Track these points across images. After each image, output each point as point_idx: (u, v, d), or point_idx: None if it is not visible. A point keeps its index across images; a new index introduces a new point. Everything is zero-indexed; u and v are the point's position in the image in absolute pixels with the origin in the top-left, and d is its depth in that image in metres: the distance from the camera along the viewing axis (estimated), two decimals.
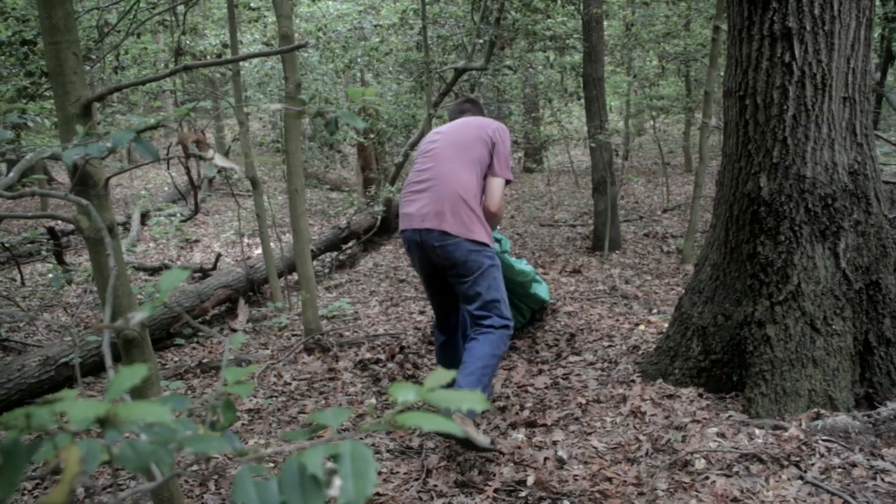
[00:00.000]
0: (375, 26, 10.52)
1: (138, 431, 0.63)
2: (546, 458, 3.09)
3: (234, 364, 4.72)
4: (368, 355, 4.71)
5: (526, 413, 3.61)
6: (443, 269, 3.51)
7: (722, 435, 3.04)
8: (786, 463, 2.76)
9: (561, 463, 3.06)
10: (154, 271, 7.81)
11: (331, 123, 1.23)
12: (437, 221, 3.36)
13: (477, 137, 3.51)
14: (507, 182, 3.55)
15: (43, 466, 0.62)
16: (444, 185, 3.41)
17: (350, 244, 8.35)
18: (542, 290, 4.79)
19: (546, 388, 3.93)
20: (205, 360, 4.94)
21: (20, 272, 7.05)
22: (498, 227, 3.72)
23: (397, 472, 3.18)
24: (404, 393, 0.68)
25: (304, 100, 1.27)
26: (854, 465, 2.72)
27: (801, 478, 2.67)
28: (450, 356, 3.82)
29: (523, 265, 4.62)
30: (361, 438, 3.55)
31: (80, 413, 0.58)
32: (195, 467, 2.43)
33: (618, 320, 5.07)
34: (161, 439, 0.62)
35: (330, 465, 0.61)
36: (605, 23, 9.63)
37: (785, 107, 3.24)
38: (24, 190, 1.55)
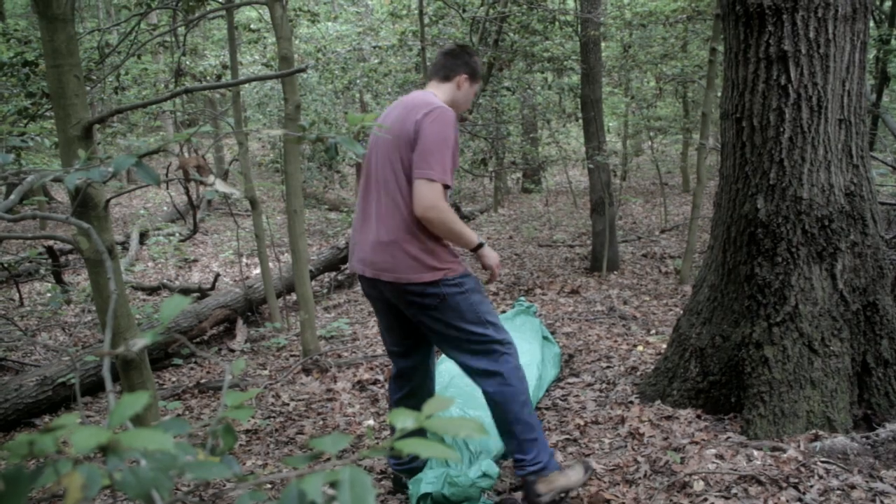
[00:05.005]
0: (374, 47, 10.59)
1: (139, 458, 0.64)
2: None
3: (231, 384, 4.71)
4: (367, 376, 4.70)
5: None
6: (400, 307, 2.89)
7: (720, 456, 3.03)
8: (784, 485, 2.75)
9: None
10: (152, 291, 7.81)
11: (331, 149, 1.24)
12: (375, 270, 2.76)
13: (400, 140, 2.69)
14: (440, 185, 2.63)
15: (41, 492, 0.62)
16: (381, 223, 2.74)
17: (348, 264, 8.35)
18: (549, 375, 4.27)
19: (545, 409, 3.92)
20: (203, 381, 4.93)
21: (19, 292, 7.05)
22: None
23: (395, 492, 3.17)
24: (403, 419, 0.68)
25: (303, 126, 1.28)
26: (853, 486, 2.71)
27: (799, 500, 2.67)
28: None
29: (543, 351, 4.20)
30: (359, 462, 3.54)
31: (84, 440, 0.59)
32: (193, 492, 2.42)
33: (616, 341, 5.07)
34: (162, 466, 0.63)
35: (329, 491, 0.61)
36: (603, 44, 9.70)
37: (781, 129, 3.26)
38: (25, 213, 1.56)
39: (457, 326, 2.79)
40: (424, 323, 2.84)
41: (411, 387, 3.15)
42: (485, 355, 2.83)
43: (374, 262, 2.76)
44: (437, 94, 2.90)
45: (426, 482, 2.92)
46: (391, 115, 2.84)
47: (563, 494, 2.87)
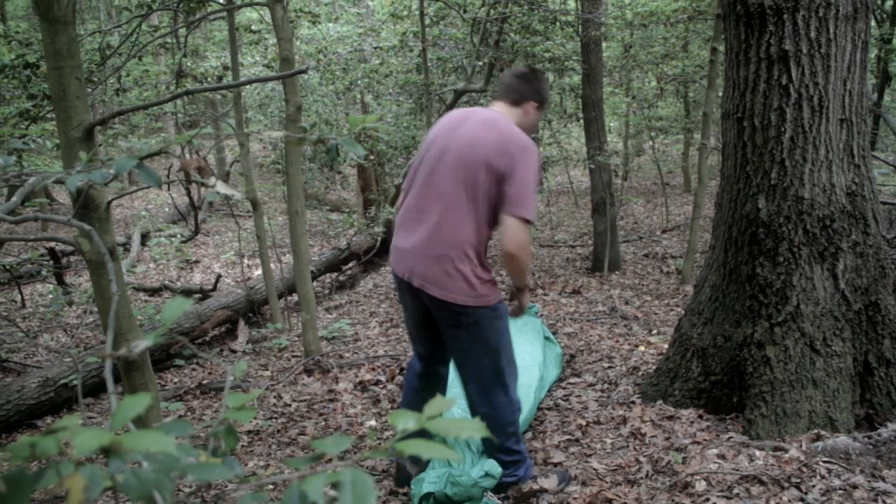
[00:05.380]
0: (375, 48, 10.59)
1: (141, 460, 0.64)
2: None
3: (233, 385, 4.71)
4: (368, 376, 4.70)
5: (528, 435, 3.60)
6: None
7: (722, 456, 3.03)
8: (786, 485, 2.75)
9: None
10: (154, 292, 7.81)
11: (332, 150, 1.24)
12: (423, 281, 2.78)
13: (486, 164, 2.68)
14: (527, 222, 2.68)
15: (43, 494, 0.63)
16: (439, 235, 2.76)
17: (350, 265, 8.36)
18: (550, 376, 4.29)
19: (547, 409, 3.92)
20: (204, 382, 4.94)
21: (20, 293, 7.05)
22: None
23: (396, 493, 3.17)
24: (404, 420, 0.68)
25: (305, 127, 1.29)
26: (855, 486, 2.71)
27: (801, 500, 2.66)
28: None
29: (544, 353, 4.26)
30: (360, 462, 3.54)
31: (86, 442, 0.59)
32: (195, 493, 2.42)
33: (617, 341, 5.07)
34: (164, 467, 0.63)
35: (331, 492, 0.61)
36: (604, 45, 9.70)
37: (782, 129, 3.26)
38: (27, 214, 1.56)
39: (474, 349, 2.87)
40: (448, 332, 2.91)
41: (428, 383, 3.21)
42: (487, 379, 2.92)
43: (425, 274, 2.77)
44: (507, 116, 2.90)
45: (428, 482, 2.92)
46: (462, 129, 2.82)
47: (530, 498, 3.00)
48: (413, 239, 2.83)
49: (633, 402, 3.82)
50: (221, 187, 1.23)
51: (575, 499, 2.90)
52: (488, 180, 2.70)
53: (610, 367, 4.49)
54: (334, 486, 0.62)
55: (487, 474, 2.91)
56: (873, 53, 9.46)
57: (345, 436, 0.70)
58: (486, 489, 2.92)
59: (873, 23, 8.89)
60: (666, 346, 4.57)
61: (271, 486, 3.17)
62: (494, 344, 2.86)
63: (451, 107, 8.48)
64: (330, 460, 0.68)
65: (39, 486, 0.61)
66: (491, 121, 2.81)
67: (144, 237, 10.20)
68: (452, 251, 2.73)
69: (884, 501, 2.62)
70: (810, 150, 3.25)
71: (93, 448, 0.59)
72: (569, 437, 3.54)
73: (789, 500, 2.66)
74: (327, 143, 1.24)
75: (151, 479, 0.62)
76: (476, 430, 0.67)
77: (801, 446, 2.99)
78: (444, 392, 3.33)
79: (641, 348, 4.82)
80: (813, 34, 3.17)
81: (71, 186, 1.20)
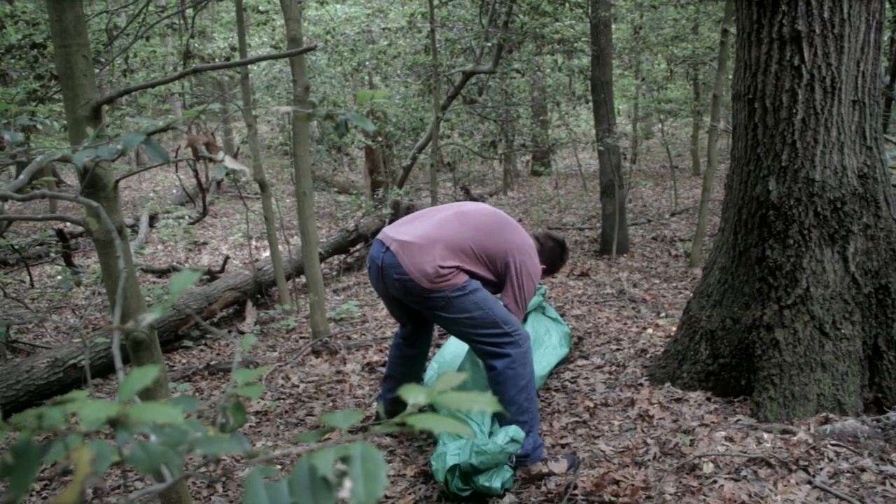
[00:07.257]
0: (384, 29, 10.53)
1: (149, 433, 0.64)
2: None
3: (243, 366, 4.72)
4: (376, 358, 4.71)
5: None
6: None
7: (730, 439, 3.03)
8: (794, 467, 2.75)
9: None
10: (162, 273, 7.83)
11: (341, 126, 1.23)
12: (400, 249, 3.05)
13: (503, 240, 3.13)
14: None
15: (52, 467, 0.62)
16: (437, 228, 3.09)
17: (358, 247, 8.36)
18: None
19: (554, 391, 3.92)
20: (212, 363, 4.95)
21: (29, 274, 7.08)
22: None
23: (404, 475, 3.18)
24: (414, 395, 0.68)
25: (314, 102, 1.27)
26: (863, 469, 2.70)
27: (809, 482, 2.66)
28: (409, 369, 3.58)
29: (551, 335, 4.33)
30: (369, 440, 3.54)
31: (93, 414, 0.58)
32: (203, 469, 2.43)
33: (626, 324, 5.06)
34: (172, 441, 0.62)
35: (340, 466, 0.61)
36: (613, 26, 9.64)
37: (794, 110, 3.23)
38: (34, 192, 1.56)
39: (462, 321, 3.04)
40: (433, 316, 3.15)
41: (413, 349, 3.52)
42: (491, 345, 3.07)
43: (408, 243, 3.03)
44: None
45: (451, 454, 2.89)
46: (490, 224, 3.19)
47: (538, 479, 3.02)
48: (402, 225, 3.28)
49: (640, 385, 3.82)
50: (230, 162, 1.22)
51: (582, 480, 2.91)
52: (497, 253, 3.20)
53: (618, 350, 4.49)
54: (344, 460, 0.61)
55: (513, 440, 2.91)
56: (887, 35, 9.36)
57: (355, 411, 0.70)
58: (512, 454, 2.93)
59: (887, 3, 8.79)
60: (674, 328, 4.56)
61: (279, 466, 3.18)
62: (479, 313, 3.04)
63: (459, 88, 8.45)
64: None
65: (47, 458, 0.61)
66: (515, 232, 3.25)
67: (152, 219, 10.22)
68: (435, 248, 3.11)
69: (892, 484, 2.61)
70: (822, 131, 3.22)
71: (100, 420, 0.58)
72: (576, 418, 3.54)
73: (797, 483, 2.66)
74: (336, 119, 1.23)
75: (159, 453, 0.61)
76: (486, 403, 0.66)
77: (809, 429, 2.99)
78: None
79: (649, 331, 4.81)
80: (826, 14, 3.13)
81: (78, 163, 1.19)
